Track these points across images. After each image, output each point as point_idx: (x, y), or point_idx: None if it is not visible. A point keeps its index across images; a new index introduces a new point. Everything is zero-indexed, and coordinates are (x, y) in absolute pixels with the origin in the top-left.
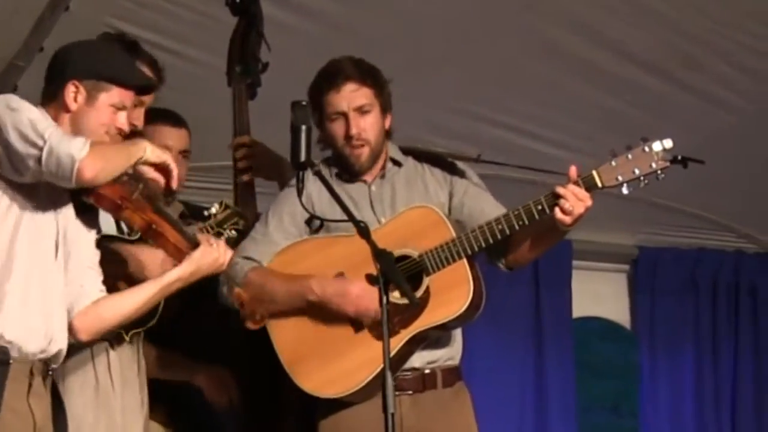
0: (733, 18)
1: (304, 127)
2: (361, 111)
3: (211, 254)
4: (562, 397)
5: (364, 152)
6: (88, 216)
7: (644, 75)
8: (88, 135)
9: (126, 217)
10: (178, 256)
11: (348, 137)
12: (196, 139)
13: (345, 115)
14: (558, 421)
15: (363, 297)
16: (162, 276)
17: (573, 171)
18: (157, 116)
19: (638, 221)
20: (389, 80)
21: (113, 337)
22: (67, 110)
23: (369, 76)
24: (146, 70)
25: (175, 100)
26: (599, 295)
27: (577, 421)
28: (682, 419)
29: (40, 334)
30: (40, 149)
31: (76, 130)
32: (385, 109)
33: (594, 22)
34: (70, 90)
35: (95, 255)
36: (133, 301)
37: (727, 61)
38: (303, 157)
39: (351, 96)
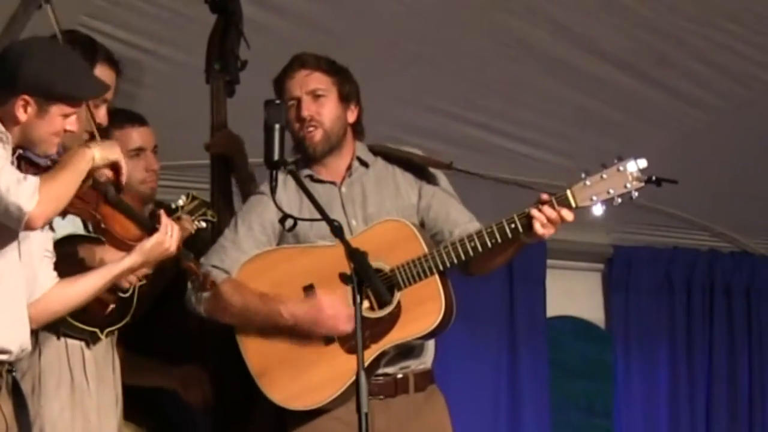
0: (708, 16)
1: (277, 126)
2: (314, 95)
3: (162, 245)
4: (536, 397)
5: (317, 134)
6: None
7: (617, 73)
8: (38, 144)
9: (75, 214)
10: (126, 250)
11: (300, 120)
12: (169, 138)
13: (299, 100)
14: (532, 420)
15: (334, 318)
16: (112, 265)
17: (545, 196)
18: (122, 119)
19: (613, 220)
20: (359, 79)
21: (88, 336)
22: (16, 122)
23: (325, 63)
24: (105, 67)
25: (148, 98)
26: (573, 294)
27: (551, 421)
28: (657, 418)
29: (15, 339)
30: None
31: (26, 138)
32: (346, 100)
33: (566, 19)
34: (19, 104)
35: (48, 242)
36: (81, 290)
37: (701, 59)
38: (276, 156)
39: (303, 80)
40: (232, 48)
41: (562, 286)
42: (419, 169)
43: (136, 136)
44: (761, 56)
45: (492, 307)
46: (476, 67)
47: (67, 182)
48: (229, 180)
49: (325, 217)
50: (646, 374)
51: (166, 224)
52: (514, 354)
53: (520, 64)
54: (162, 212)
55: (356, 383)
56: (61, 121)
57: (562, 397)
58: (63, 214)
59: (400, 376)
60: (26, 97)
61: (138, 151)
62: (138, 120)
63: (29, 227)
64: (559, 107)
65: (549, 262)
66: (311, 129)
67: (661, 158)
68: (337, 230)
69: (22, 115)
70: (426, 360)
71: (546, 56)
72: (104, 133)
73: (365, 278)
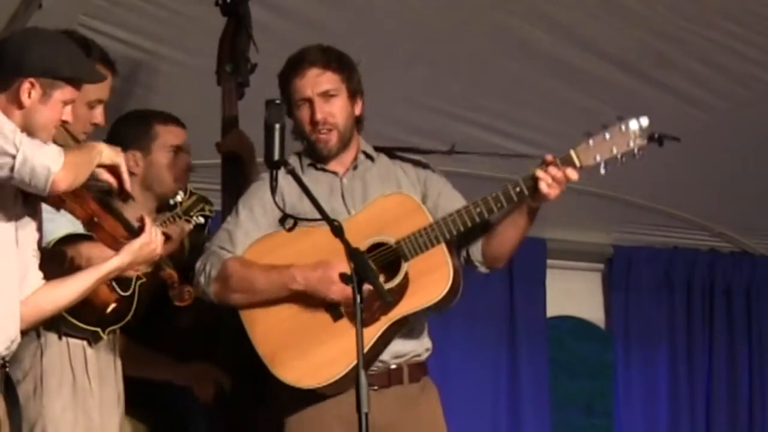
0: (707, 16)
1: (277, 126)
2: (326, 96)
3: (149, 245)
4: (536, 397)
5: (332, 137)
6: (31, 204)
7: (617, 73)
8: (38, 130)
9: (68, 209)
10: (116, 247)
11: (313, 122)
12: None
13: (310, 101)
14: (532, 420)
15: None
16: (100, 265)
17: (549, 157)
18: (166, 117)
19: (613, 220)
20: (360, 74)
21: (90, 335)
22: (21, 106)
23: (334, 60)
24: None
25: (147, 98)
26: (573, 294)
27: (551, 421)
28: (657, 418)
29: (7, 332)
30: (13, 158)
31: (27, 124)
32: (354, 94)
33: (566, 19)
34: (26, 87)
35: (35, 241)
36: (71, 290)
37: (700, 59)
38: (277, 156)
39: (315, 81)
40: (243, 51)
41: (562, 286)
42: (422, 166)
43: (177, 134)
44: (761, 56)
45: (492, 307)
46: (476, 66)
47: (84, 159)
48: (239, 180)
49: (325, 217)
50: (646, 374)
51: (150, 226)
52: (514, 354)
53: (520, 64)
54: (144, 216)
55: (356, 383)
56: (60, 109)
57: (562, 397)
58: (58, 207)
59: (393, 366)
60: (33, 80)
61: (177, 149)
62: (179, 122)
63: (54, 189)
64: (559, 107)
65: (549, 262)
66: (325, 131)
67: (661, 158)
68: (337, 230)
69: (26, 100)
70: (421, 352)
71: (546, 56)
72: (131, 128)
73: (365, 278)
